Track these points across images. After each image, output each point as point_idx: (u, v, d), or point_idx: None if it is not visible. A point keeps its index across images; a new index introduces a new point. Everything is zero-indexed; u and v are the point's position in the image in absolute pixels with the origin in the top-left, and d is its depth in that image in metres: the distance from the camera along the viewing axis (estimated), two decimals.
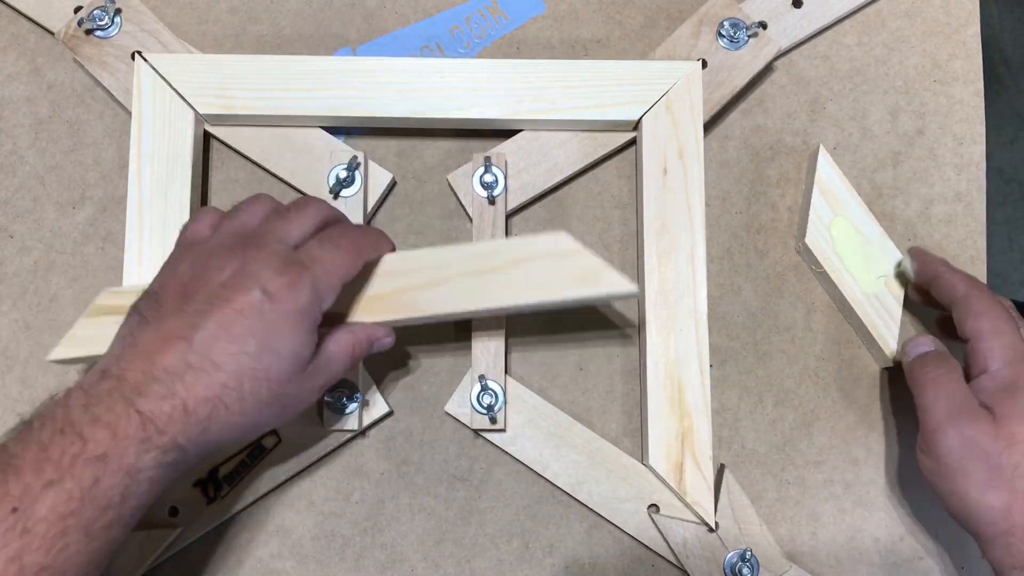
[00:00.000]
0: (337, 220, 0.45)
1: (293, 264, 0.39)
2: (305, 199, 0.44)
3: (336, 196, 0.50)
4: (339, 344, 0.42)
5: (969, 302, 0.45)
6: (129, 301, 0.40)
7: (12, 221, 0.53)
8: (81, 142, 0.53)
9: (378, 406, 0.50)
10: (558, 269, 0.42)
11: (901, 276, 0.51)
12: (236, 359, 0.37)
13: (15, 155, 0.53)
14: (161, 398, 0.36)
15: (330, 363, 0.42)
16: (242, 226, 0.42)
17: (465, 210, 0.52)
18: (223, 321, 0.37)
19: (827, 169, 0.52)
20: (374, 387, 0.50)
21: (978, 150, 0.55)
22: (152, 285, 0.41)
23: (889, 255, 0.51)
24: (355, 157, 0.50)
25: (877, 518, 0.51)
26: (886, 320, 0.51)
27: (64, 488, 0.34)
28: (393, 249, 0.45)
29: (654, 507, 0.49)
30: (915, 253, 0.49)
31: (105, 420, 0.35)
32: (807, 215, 0.51)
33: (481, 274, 0.43)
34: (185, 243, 0.43)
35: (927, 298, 0.49)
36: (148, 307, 0.39)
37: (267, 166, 0.52)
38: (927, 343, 0.47)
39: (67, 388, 0.37)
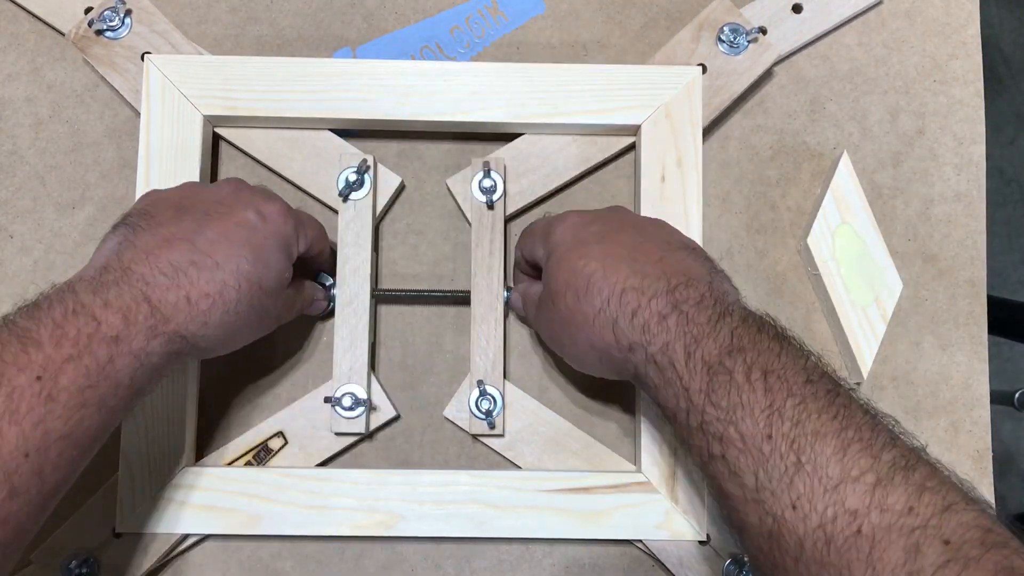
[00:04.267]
0: None
1: (281, 200, 0.44)
2: None
3: (345, 199, 0.50)
4: (297, 289, 0.47)
5: (531, 250, 0.46)
6: None
7: (12, 221, 0.53)
8: (81, 142, 0.53)
9: (385, 410, 0.50)
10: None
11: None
12: (236, 262, 0.40)
13: (15, 155, 0.53)
14: (167, 289, 0.38)
15: (291, 300, 0.46)
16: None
17: (464, 214, 0.52)
18: (223, 229, 0.41)
19: (845, 176, 0.52)
20: (382, 391, 0.50)
21: (978, 150, 0.55)
22: (137, 206, 0.43)
23: (888, 275, 0.51)
24: (365, 160, 0.50)
25: None
26: (868, 336, 0.51)
27: (83, 363, 0.36)
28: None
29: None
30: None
31: (116, 305, 0.37)
32: (816, 216, 0.51)
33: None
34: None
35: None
36: (140, 219, 0.41)
37: (276, 168, 0.52)
38: (516, 298, 0.49)
39: (67, 280, 0.38)
